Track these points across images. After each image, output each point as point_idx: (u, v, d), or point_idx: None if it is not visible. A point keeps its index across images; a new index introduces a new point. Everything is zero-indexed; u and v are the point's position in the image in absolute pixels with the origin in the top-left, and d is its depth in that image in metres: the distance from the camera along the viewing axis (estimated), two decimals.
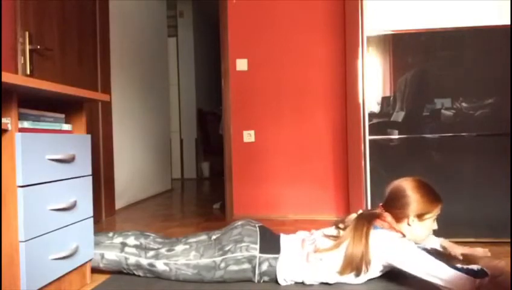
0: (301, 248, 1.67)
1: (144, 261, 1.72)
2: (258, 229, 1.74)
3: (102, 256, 1.76)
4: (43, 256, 1.42)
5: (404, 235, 1.64)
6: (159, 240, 1.86)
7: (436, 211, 1.68)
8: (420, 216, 1.66)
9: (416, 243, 1.66)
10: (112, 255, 1.75)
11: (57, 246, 1.49)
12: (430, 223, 1.68)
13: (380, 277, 1.70)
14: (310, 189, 3.13)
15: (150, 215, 3.39)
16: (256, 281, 1.66)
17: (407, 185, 1.70)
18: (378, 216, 1.68)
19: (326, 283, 1.65)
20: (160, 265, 1.70)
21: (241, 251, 1.65)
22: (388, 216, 1.67)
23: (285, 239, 1.73)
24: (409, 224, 1.67)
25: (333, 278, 1.63)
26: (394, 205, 1.69)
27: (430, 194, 1.68)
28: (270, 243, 1.69)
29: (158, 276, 1.73)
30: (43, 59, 2.35)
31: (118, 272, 1.82)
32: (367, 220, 1.62)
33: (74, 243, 1.59)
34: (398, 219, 1.68)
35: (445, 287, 1.42)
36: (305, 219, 3.06)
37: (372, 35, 2.31)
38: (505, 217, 2.17)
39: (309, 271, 1.63)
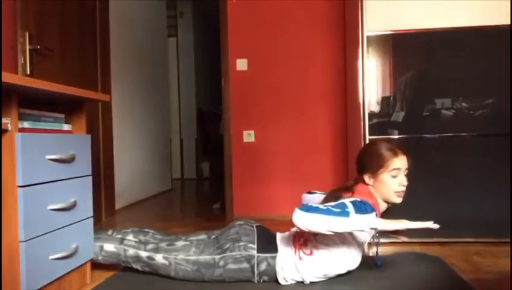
0: (293, 246, 1.67)
1: (143, 254, 1.71)
2: (255, 228, 1.74)
3: (101, 248, 1.76)
4: (43, 256, 1.42)
5: (374, 199, 1.66)
6: (158, 236, 1.82)
7: (392, 165, 1.64)
8: (373, 173, 1.67)
9: (389, 202, 1.68)
10: (111, 247, 1.75)
11: (57, 246, 1.49)
12: (387, 178, 1.65)
13: (384, 276, 1.69)
14: (309, 189, 3.12)
15: (150, 215, 3.40)
16: (256, 281, 1.65)
17: (360, 150, 1.78)
18: (347, 188, 1.72)
19: (327, 279, 1.66)
20: (159, 258, 1.69)
21: (240, 250, 1.65)
22: (359, 186, 1.71)
23: (280, 238, 1.73)
24: (368, 184, 1.69)
25: (330, 270, 1.64)
26: (358, 173, 1.75)
27: (378, 149, 1.69)
28: (267, 242, 1.69)
29: (157, 270, 1.72)
30: (43, 59, 2.35)
31: (120, 270, 1.83)
32: (332, 197, 1.68)
33: (74, 243, 1.59)
34: (363, 184, 1.71)
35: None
36: None
37: (372, 35, 2.31)
38: (505, 217, 2.17)
39: (304, 268, 1.63)
